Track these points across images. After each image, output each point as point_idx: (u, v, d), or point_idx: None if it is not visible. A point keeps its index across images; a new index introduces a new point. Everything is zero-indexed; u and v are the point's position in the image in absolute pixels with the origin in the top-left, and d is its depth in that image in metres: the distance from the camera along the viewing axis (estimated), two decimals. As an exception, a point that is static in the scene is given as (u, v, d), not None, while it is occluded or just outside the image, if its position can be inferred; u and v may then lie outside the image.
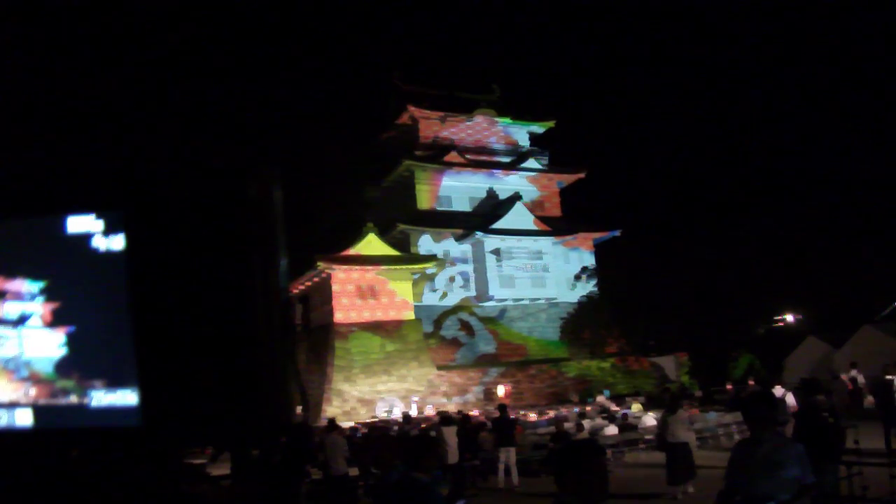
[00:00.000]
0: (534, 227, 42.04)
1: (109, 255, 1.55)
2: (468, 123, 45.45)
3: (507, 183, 44.27)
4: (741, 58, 78.30)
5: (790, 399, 13.76)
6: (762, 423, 4.84)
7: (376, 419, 29.03)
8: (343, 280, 35.85)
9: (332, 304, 35.55)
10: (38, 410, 1.63)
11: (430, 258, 39.08)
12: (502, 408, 15.70)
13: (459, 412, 18.38)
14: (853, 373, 19.59)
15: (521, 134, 47.46)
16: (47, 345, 1.61)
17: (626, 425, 18.94)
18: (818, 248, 37.09)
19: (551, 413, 24.85)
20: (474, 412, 24.86)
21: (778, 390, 14.63)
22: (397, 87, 45.58)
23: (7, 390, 1.65)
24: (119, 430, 1.56)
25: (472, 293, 41.17)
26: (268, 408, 1.48)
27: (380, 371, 34.37)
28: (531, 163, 45.48)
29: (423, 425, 20.26)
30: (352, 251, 36.39)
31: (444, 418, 15.61)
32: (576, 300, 40.46)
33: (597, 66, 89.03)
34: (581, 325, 38.48)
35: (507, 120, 46.60)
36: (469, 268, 41.62)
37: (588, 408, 26.22)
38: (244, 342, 1.46)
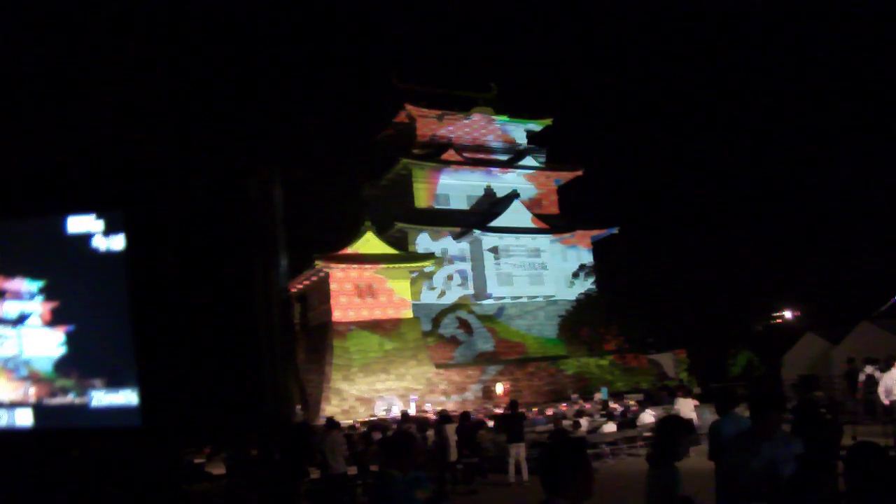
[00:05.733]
0: (532, 225, 42.04)
1: (109, 255, 1.55)
2: (465, 121, 45.43)
3: (505, 181, 44.27)
4: (740, 53, 78.39)
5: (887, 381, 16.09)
6: (770, 426, 4.85)
7: (375, 418, 29.05)
8: (341, 279, 35.85)
9: (331, 302, 35.54)
10: (38, 410, 1.63)
11: (428, 256, 39.08)
12: (513, 404, 15.77)
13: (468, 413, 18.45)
14: (868, 369, 19.62)
15: (519, 132, 47.45)
16: (47, 344, 1.61)
17: (626, 422, 18.96)
18: (816, 245, 37.16)
19: (550, 411, 24.85)
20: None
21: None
22: (394, 86, 45.55)
23: (7, 390, 1.65)
24: (119, 430, 1.56)
25: (471, 291, 41.18)
26: (268, 407, 1.48)
27: (378, 370, 34.39)
28: (529, 160, 45.48)
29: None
30: (350, 250, 36.39)
31: (444, 416, 15.65)
32: (574, 298, 40.47)
33: (594, 64, 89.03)
34: (579, 322, 38.51)
35: (505, 118, 46.59)
36: (467, 266, 41.63)
37: (587, 405, 26.24)
38: (244, 342, 1.46)
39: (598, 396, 29.00)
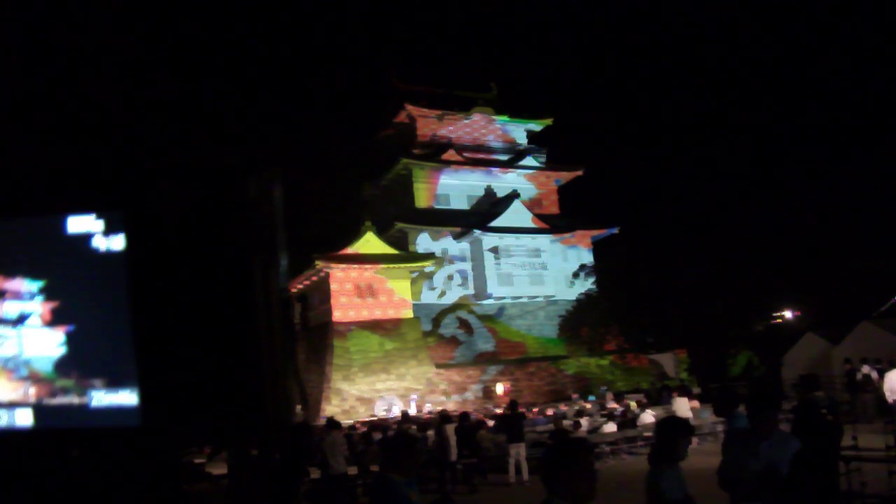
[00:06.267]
0: (532, 225, 42.04)
1: (109, 255, 1.55)
2: (466, 121, 45.43)
3: (505, 181, 44.27)
4: (740, 53, 78.40)
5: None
6: (768, 426, 4.86)
7: (375, 418, 29.07)
8: (341, 279, 35.85)
9: (331, 302, 35.55)
10: (38, 410, 1.63)
11: (429, 256, 39.08)
12: (513, 404, 15.78)
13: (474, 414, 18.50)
14: (865, 368, 19.65)
15: (519, 132, 47.45)
16: (47, 344, 1.61)
17: (626, 421, 18.97)
18: (816, 245, 37.15)
19: (550, 411, 24.86)
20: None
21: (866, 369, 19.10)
22: (395, 86, 45.56)
23: (7, 390, 1.65)
24: (119, 430, 1.56)
25: (471, 291, 41.18)
26: (268, 407, 1.48)
27: (378, 370, 34.39)
28: (529, 160, 45.48)
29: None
30: (350, 250, 36.40)
31: (444, 416, 15.65)
32: (574, 298, 40.44)
33: (594, 63, 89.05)
34: (579, 322, 38.48)
35: (505, 118, 46.59)
36: (467, 266, 41.64)
37: (587, 405, 26.26)
38: (244, 342, 1.46)
39: (610, 396, 28.76)
